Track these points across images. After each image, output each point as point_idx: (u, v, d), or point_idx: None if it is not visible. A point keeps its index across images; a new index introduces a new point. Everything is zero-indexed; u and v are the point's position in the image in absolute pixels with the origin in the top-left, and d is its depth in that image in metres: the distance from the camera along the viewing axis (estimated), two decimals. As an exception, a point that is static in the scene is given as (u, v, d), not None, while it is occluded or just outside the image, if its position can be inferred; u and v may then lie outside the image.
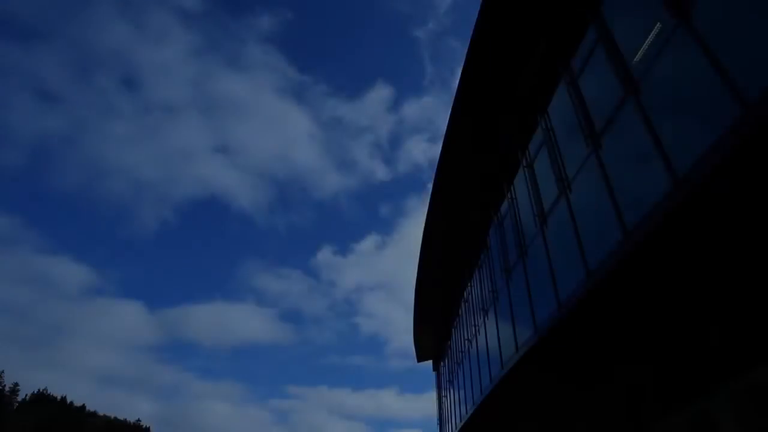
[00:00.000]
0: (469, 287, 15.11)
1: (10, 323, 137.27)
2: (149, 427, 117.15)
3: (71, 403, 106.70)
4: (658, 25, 5.06)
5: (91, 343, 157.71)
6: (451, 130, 10.78)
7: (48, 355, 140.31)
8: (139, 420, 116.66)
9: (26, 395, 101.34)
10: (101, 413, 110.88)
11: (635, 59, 5.50)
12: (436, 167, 12.10)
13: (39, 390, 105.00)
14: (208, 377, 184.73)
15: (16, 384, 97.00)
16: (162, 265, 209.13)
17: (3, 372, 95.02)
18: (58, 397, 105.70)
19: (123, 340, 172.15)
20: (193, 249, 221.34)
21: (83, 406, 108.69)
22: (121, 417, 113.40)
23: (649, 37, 5.22)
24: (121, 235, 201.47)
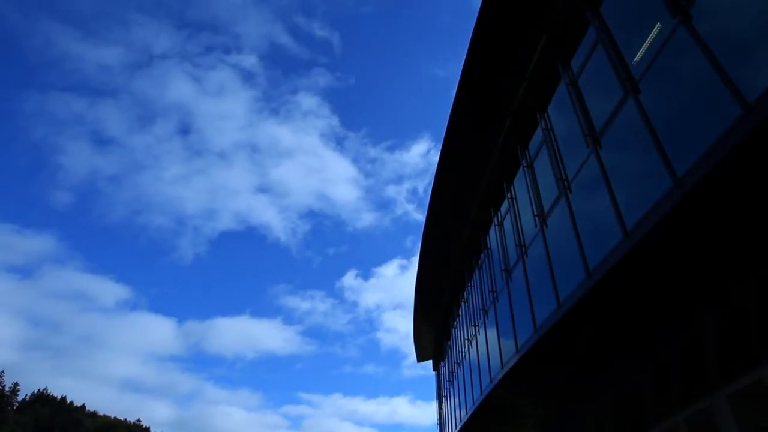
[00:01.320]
0: (469, 287, 15.11)
1: (44, 333, 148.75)
2: (149, 428, 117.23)
3: (71, 403, 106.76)
4: (658, 25, 5.06)
5: (119, 353, 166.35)
6: (451, 130, 10.78)
7: (76, 363, 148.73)
8: (139, 420, 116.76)
9: (26, 395, 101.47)
10: (101, 413, 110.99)
11: (635, 59, 5.51)
12: (436, 167, 12.11)
13: (39, 390, 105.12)
14: (226, 385, 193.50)
15: (16, 384, 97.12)
16: (195, 285, 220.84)
17: (3, 372, 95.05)
18: (58, 397, 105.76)
19: (150, 351, 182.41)
20: (227, 272, 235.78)
21: (83, 406, 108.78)
22: (121, 417, 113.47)
23: (649, 37, 5.22)
24: (160, 259, 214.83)
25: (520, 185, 9.75)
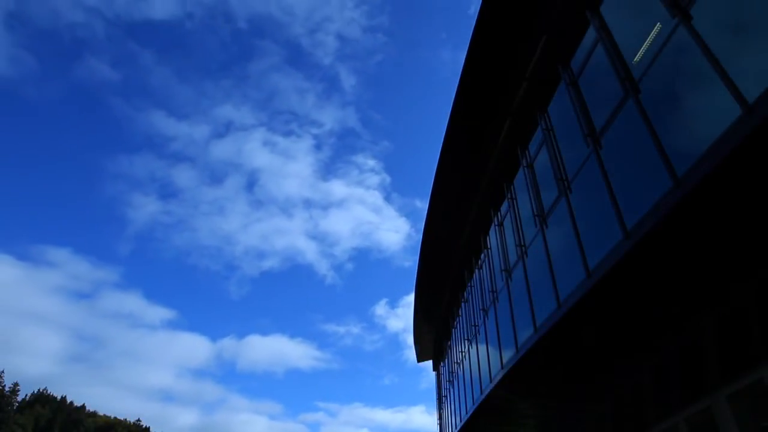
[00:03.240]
0: (469, 287, 15.11)
1: (89, 347, 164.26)
2: (149, 427, 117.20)
3: (71, 402, 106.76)
4: (658, 25, 5.06)
5: (155, 366, 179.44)
6: (452, 129, 10.78)
7: (112, 374, 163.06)
8: (139, 420, 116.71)
9: (26, 395, 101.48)
10: (101, 413, 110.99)
11: (635, 59, 5.51)
12: (436, 167, 12.11)
13: (39, 390, 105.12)
14: (251, 396, 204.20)
15: (16, 384, 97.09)
16: (237, 309, 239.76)
17: (3, 372, 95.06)
18: (58, 397, 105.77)
19: (185, 365, 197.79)
20: (269, 298, 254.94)
21: (83, 406, 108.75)
22: (121, 417, 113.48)
23: (649, 37, 5.22)
24: (210, 288, 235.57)
25: (520, 185, 9.75)
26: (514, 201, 10.09)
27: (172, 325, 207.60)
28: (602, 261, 5.91)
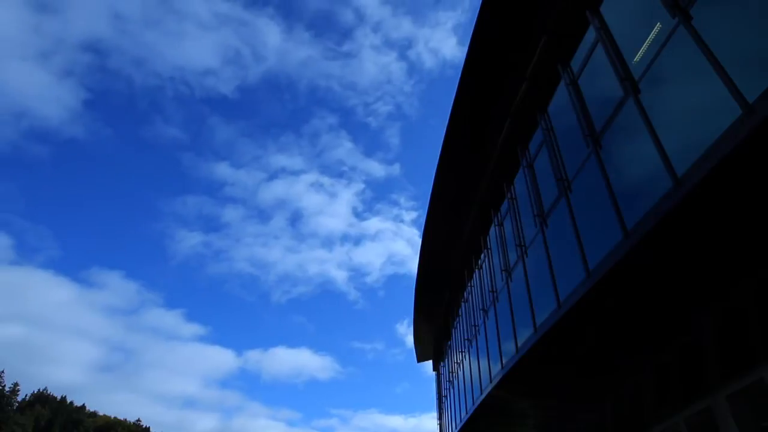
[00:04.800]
0: (469, 287, 15.11)
1: (120, 358, 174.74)
2: (149, 427, 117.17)
3: (71, 402, 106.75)
4: (658, 25, 5.06)
5: (181, 375, 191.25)
6: (452, 129, 10.78)
7: (138, 382, 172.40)
8: (139, 420, 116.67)
9: (26, 395, 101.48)
10: (101, 413, 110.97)
11: (635, 59, 5.51)
12: (436, 167, 12.11)
13: (39, 390, 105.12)
14: (270, 404, 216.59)
15: (16, 384, 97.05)
16: (266, 326, 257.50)
17: (3, 372, 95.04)
18: (58, 397, 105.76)
19: (210, 375, 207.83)
20: (297, 318, 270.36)
21: (83, 406, 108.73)
22: (121, 417, 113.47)
23: (649, 37, 5.22)
24: (242, 310, 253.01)
25: (520, 185, 9.75)
26: (514, 201, 10.09)
27: (203, 339, 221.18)
28: (602, 261, 5.91)
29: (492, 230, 11.93)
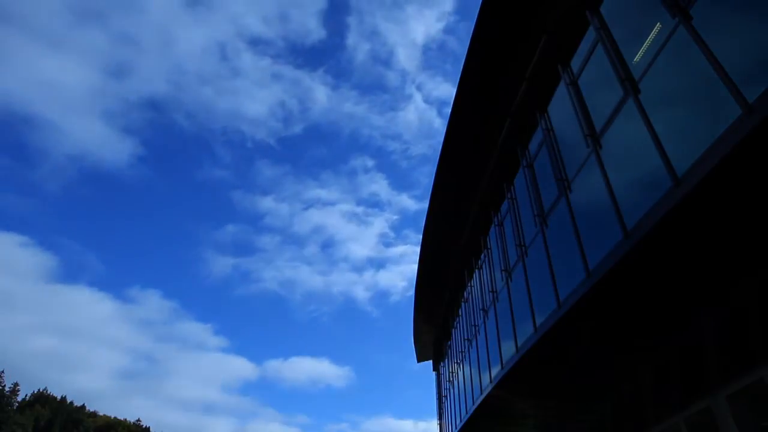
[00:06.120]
0: (469, 287, 15.11)
1: (144, 366, 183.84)
2: (149, 427, 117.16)
3: (71, 402, 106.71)
4: (658, 25, 5.06)
5: (200, 382, 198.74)
6: (452, 129, 10.77)
7: (158, 388, 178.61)
8: (139, 420, 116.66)
9: (26, 395, 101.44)
10: (101, 413, 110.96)
11: (635, 59, 5.51)
12: (436, 167, 12.10)
13: (39, 390, 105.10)
14: (285, 410, 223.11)
15: (16, 384, 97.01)
16: (287, 337, 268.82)
17: (3, 372, 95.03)
18: (58, 397, 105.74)
19: (230, 382, 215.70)
20: (321, 331, 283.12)
21: (83, 406, 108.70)
22: (121, 417, 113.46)
23: (649, 37, 5.22)
24: (267, 323, 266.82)
25: (520, 185, 9.75)
26: (514, 201, 10.09)
27: (226, 350, 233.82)
28: (602, 261, 5.91)
29: (492, 230, 11.93)
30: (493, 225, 11.84)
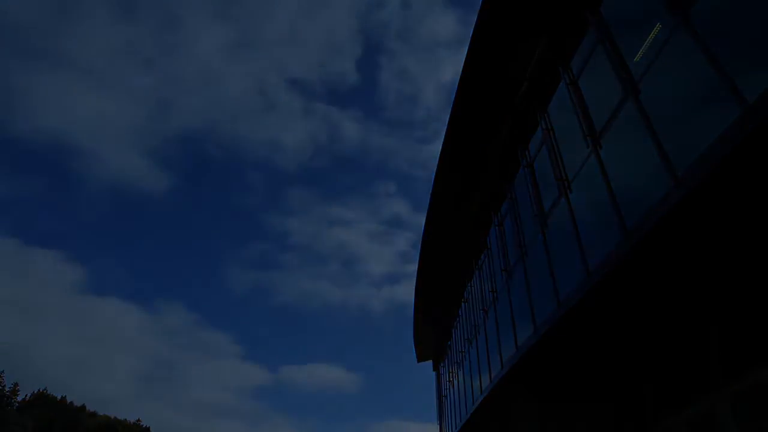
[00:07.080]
0: (469, 287, 15.10)
1: (161, 371, 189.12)
2: (149, 427, 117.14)
3: (71, 403, 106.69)
4: (658, 25, 5.06)
5: (214, 388, 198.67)
6: (452, 129, 10.77)
7: (172, 392, 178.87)
8: (139, 420, 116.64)
9: (26, 395, 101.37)
10: (101, 413, 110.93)
11: (635, 59, 5.50)
12: (436, 168, 12.10)
13: (39, 390, 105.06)
14: (294, 414, 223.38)
15: (16, 384, 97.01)
16: (301, 345, 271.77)
17: (3, 372, 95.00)
18: (58, 397, 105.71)
19: (243, 387, 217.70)
20: (333, 338, 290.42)
21: (83, 406, 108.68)
22: (120, 417, 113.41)
23: (649, 37, 5.22)
24: (286, 334, 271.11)
25: (520, 185, 9.75)
26: (514, 201, 10.09)
27: (243, 357, 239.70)
28: (602, 261, 5.91)
29: (492, 230, 11.92)
30: (493, 225, 11.84)
